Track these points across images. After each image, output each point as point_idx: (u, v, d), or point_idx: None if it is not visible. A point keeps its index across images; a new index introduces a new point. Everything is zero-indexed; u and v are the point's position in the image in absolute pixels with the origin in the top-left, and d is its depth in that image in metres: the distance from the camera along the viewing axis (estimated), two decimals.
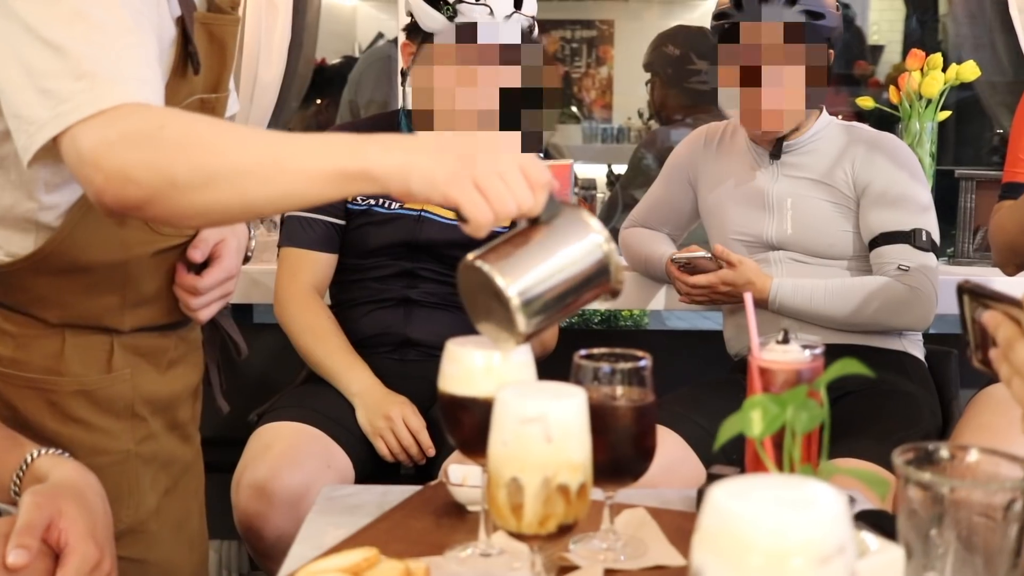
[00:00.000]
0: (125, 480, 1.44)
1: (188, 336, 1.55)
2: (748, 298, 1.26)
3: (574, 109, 7.13)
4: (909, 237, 2.13)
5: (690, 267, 2.23)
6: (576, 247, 1.07)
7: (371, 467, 2.05)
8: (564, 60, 7.66)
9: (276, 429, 2.03)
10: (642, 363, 1.12)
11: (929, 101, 2.73)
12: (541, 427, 0.93)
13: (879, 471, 1.65)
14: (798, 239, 2.20)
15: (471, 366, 1.09)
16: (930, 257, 2.14)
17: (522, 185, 1.06)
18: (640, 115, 5.20)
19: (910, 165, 2.20)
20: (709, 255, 2.20)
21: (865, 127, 2.28)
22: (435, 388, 1.15)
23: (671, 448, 1.92)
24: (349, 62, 4.65)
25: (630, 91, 6.76)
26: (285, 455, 1.95)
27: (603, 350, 1.14)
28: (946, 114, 2.77)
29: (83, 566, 1.13)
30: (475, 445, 1.08)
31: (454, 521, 1.28)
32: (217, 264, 1.47)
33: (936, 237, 2.17)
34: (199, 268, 1.47)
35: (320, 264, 2.18)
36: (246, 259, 1.58)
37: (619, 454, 1.11)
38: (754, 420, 0.89)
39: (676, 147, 2.48)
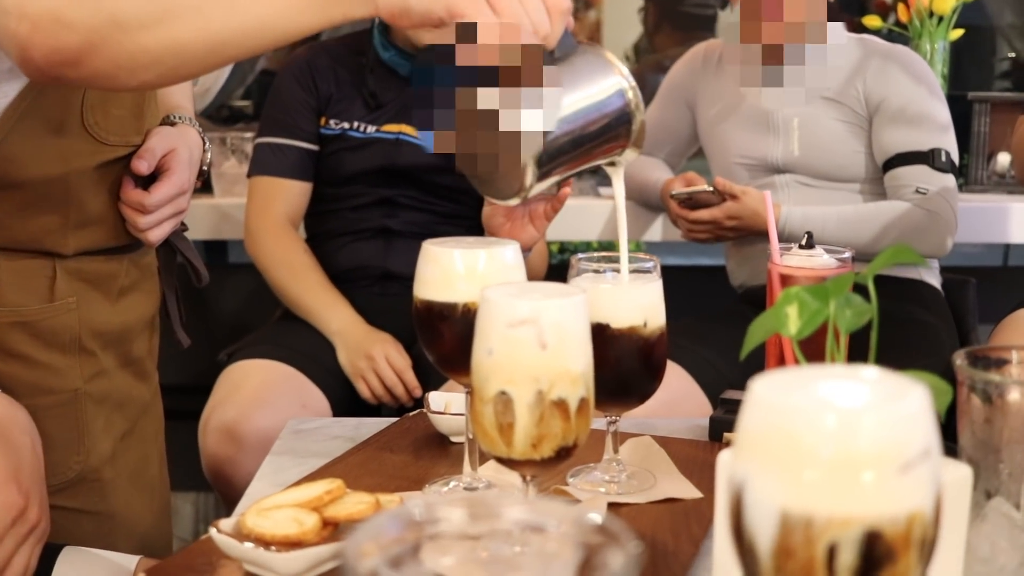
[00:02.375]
0: (74, 423, 1.29)
1: (141, 261, 1.39)
2: (768, 196, 1.11)
3: None
4: (927, 157, 1.97)
5: (691, 202, 2.07)
6: (596, 87, 0.93)
7: (350, 407, 1.92)
8: None
9: (246, 367, 1.89)
10: (649, 264, 0.97)
11: (941, 19, 2.57)
12: (533, 330, 0.78)
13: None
14: (806, 161, 2.04)
15: (450, 268, 0.94)
16: (950, 179, 1.99)
17: (538, 6, 0.90)
18: (627, 58, 5.01)
19: (927, 79, 2.04)
20: (710, 188, 2.04)
21: (877, 39, 2.12)
22: None
23: (674, 381, 1.77)
24: None
25: (620, 36, 6.56)
26: (256, 395, 1.82)
27: (604, 253, 0.99)
28: (959, 32, 2.61)
29: (3, 515, 0.98)
30: (457, 361, 0.93)
31: (435, 453, 1.13)
32: (166, 177, 1.31)
33: (955, 157, 2.02)
34: (147, 183, 1.31)
35: (293, 193, 2.03)
36: (203, 174, 1.42)
37: (624, 369, 0.96)
38: (790, 316, 0.74)
39: (672, 66, 2.32)
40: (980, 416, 0.75)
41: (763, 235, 2.02)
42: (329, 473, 1.05)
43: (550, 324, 0.78)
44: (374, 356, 1.88)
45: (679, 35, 3.25)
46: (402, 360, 1.89)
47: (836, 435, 0.49)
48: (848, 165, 2.03)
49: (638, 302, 0.93)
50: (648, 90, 3.23)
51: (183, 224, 1.44)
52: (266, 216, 2.02)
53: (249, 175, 2.07)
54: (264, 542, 0.80)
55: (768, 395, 0.51)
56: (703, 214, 2.04)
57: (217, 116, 2.89)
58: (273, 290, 2.03)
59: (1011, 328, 1.76)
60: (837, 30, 2.01)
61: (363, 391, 1.90)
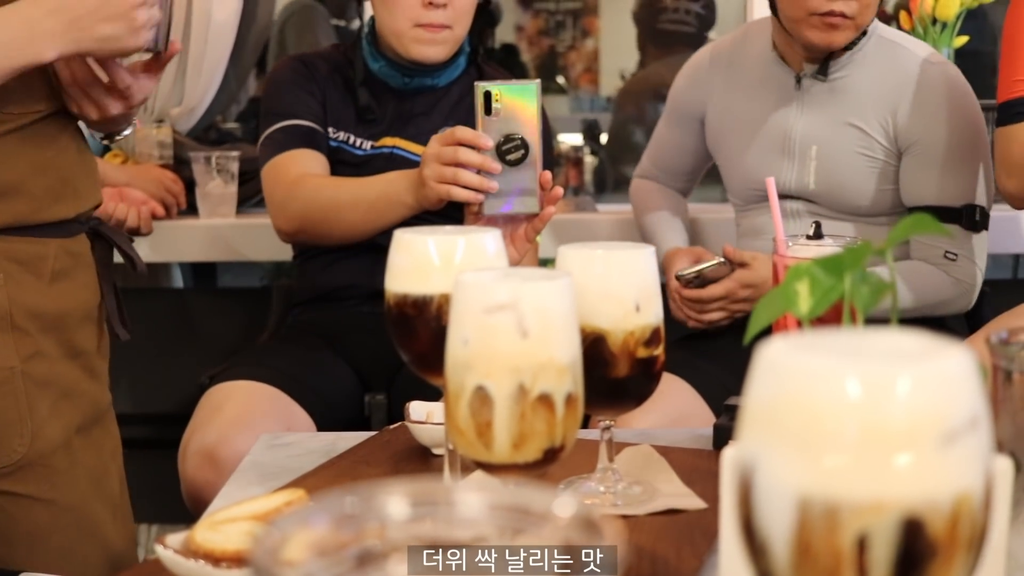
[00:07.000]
0: (14, 403, 1.27)
1: (73, 248, 1.37)
2: (771, 183, 1.03)
3: (560, 80, 6.93)
4: (960, 216, 1.76)
5: (699, 280, 1.86)
6: None
7: (339, 429, 1.81)
8: (549, 34, 7.44)
9: (228, 389, 1.80)
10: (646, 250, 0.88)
11: (945, 25, 2.49)
12: (513, 316, 0.69)
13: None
14: (822, 194, 1.83)
15: (424, 258, 0.85)
16: (981, 238, 1.80)
17: None
18: (623, 77, 4.98)
19: (967, 112, 1.78)
20: (719, 260, 1.83)
21: (914, 47, 1.83)
22: None
23: (679, 397, 1.67)
24: None
25: (616, 64, 6.54)
26: (238, 417, 1.72)
27: (594, 243, 0.90)
28: (963, 40, 2.53)
29: None
30: (432, 361, 0.84)
31: (416, 467, 1.04)
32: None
33: (989, 198, 1.81)
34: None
35: (307, 158, 1.85)
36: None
37: (617, 364, 0.87)
38: (800, 294, 0.66)
39: (675, 81, 2.10)
40: (1020, 402, 0.67)
41: None
42: (297, 488, 0.96)
43: (531, 309, 0.70)
44: (442, 152, 1.43)
45: (660, 51, 3.18)
46: (467, 133, 1.42)
47: (864, 402, 0.40)
48: (869, 204, 1.82)
49: (631, 280, 0.84)
50: (649, 115, 3.17)
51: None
52: (281, 184, 1.83)
53: (260, 167, 1.90)
54: (214, 558, 0.71)
55: (780, 358, 0.43)
56: (715, 290, 1.81)
57: (205, 138, 2.83)
58: (329, 221, 1.77)
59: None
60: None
61: (459, 195, 1.44)
